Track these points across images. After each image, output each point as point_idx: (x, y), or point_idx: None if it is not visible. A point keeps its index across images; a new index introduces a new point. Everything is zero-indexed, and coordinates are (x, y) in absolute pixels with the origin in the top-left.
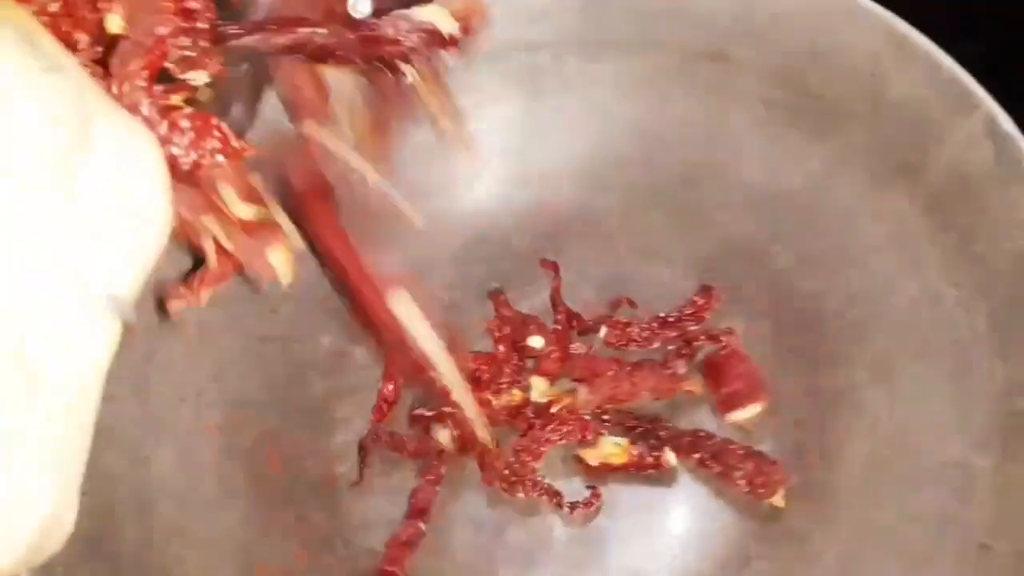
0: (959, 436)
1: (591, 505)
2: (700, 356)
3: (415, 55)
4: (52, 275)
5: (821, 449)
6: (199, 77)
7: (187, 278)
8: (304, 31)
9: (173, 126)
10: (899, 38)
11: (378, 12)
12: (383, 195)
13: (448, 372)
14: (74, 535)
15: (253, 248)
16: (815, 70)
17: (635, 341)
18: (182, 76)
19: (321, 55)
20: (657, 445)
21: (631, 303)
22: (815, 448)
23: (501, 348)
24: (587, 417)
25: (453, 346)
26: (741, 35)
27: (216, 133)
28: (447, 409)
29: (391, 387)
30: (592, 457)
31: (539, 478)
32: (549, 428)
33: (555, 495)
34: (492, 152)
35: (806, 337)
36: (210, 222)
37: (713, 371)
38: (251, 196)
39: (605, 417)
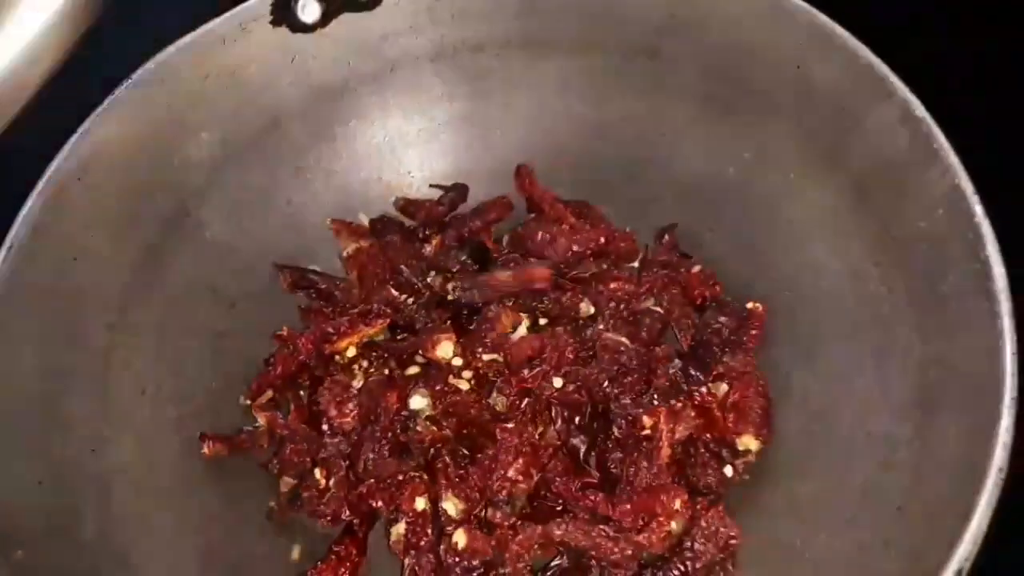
0: (882, 409)
1: None
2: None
3: None
4: None
5: None
6: None
7: None
8: None
9: None
10: (821, 31)
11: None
12: None
13: None
14: (37, 520)
15: None
16: (745, 65)
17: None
18: None
19: None
20: None
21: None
22: None
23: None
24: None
25: None
26: (674, 32)
27: None
28: None
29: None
30: None
31: None
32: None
33: None
34: (441, 150)
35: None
36: None
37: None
38: None
39: None
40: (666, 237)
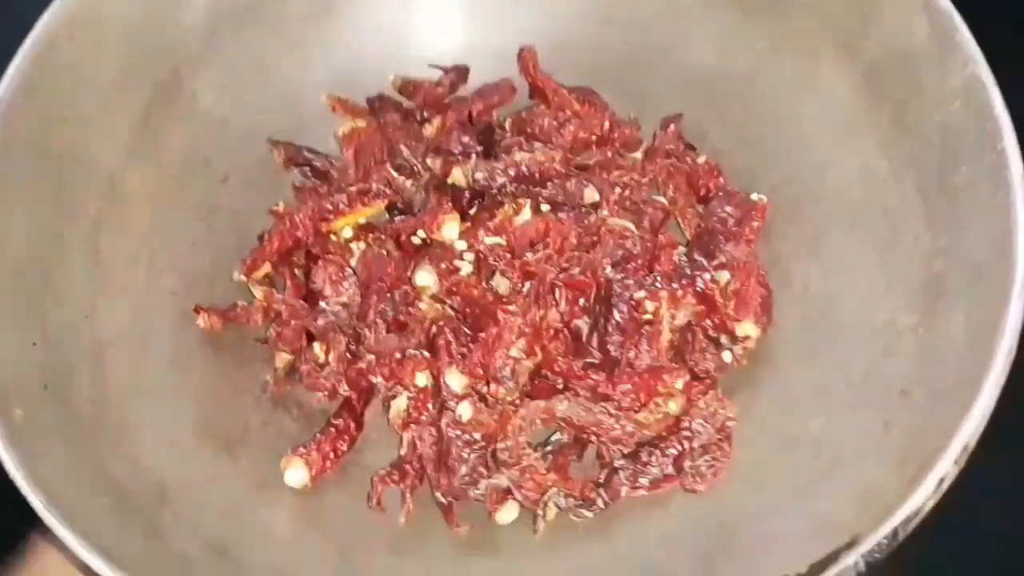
0: (886, 299)
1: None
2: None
3: None
4: None
5: None
6: None
7: None
8: None
9: None
10: None
11: None
12: None
13: None
14: (33, 382)
15: None
16: None
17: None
18: None
19: None
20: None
21: None
22: None
23: None
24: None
25: None
26: None
27: None
28: None
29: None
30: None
31: None
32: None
33: None
34: (444, 29)
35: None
36: None
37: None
38: None
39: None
40: (671, 127)
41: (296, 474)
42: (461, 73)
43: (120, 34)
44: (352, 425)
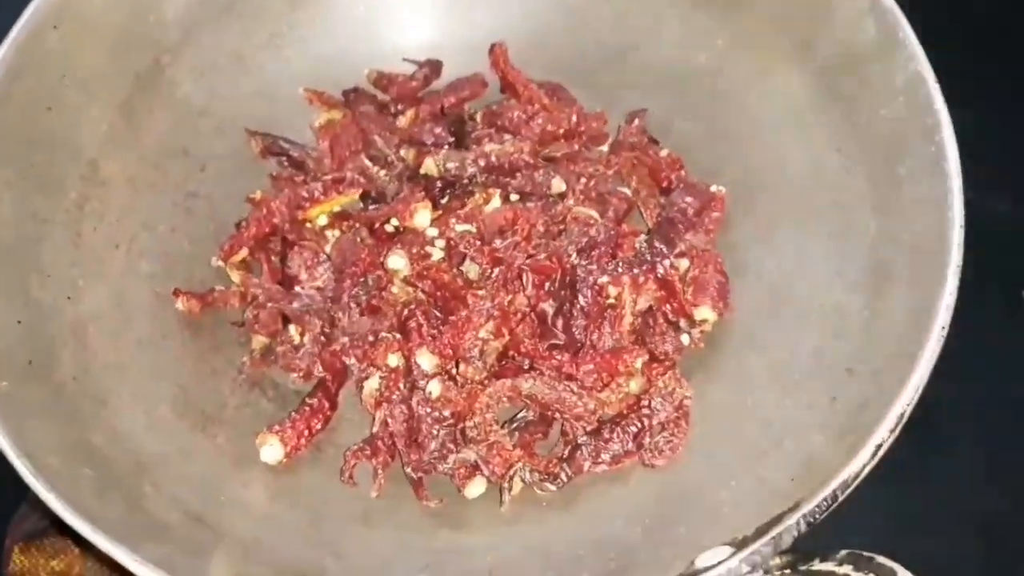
0: (835, 283)
1: None
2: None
3: None
4: None
5: None
6: None
7: None
8: None
9: None
10: None
11: None
12: None
13: None
14: (18, 357)
15: None
16: None
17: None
18: None
19: None
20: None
21: None
22: None
23: None
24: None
25: None
26: None
27: None
28: None
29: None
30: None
31: None
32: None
33: None
34: (417, 24)
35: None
36: None
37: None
38: None
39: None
40: (636, 121)
41: (271, 451)
42: (434, 67)
43: (104, 24)
44: (326, 404)
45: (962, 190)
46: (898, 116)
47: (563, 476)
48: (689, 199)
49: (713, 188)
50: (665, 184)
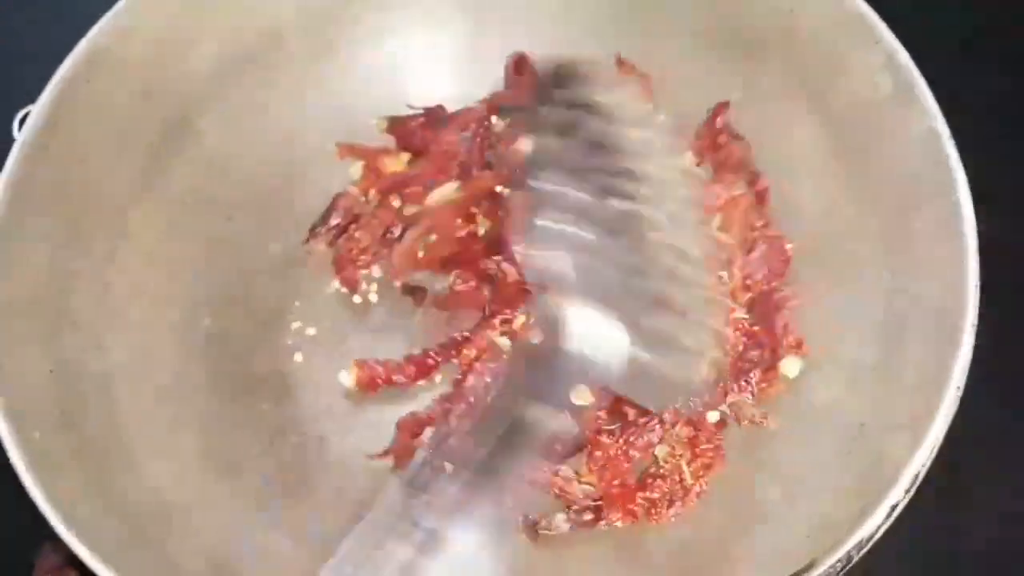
0: (850, 336)
1: None
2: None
3: None
4: None
5: None
6: None
7: None
8: None
9: None
10: None
11: None
12: None
13: None
14: (48, 407)
15: None
16: (738, 5)
17: None
18: None
19: None
20: None
21: None
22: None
23: None
24: None
25: None
26: None
27: None
28: None
29: None
30: None
31: None
32: None
33: None
34: (437, 74)
35: None
36: None
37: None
38: None
39: None
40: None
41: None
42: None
43: (133, 77)
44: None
45: (977, 249)
46: (913, 171)
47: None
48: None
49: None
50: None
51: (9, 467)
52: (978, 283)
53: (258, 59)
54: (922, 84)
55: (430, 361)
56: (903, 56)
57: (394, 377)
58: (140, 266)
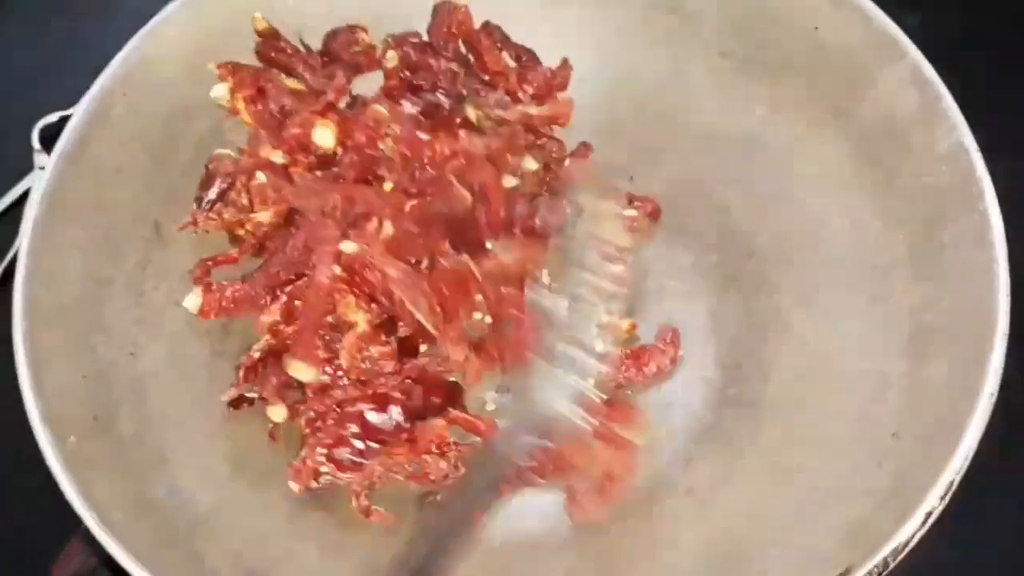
0: (878, 349)
1: None
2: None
3: None
4: None
5: (756, 364)
6: None
7: None
8: None
9: None
10: None
11: None
12: None
13: None
14: (84, 412)
15: None
16: (763, 23)
17: None
18: None
19: None
20: None
21: None
22: (750, 363)
23: None
24: None
25: None
26: None
27: None
28: None
29: None
30: None
31: None
32: None
33: None
34: None
35: (745, 267)
36: None
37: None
38: None
39: None
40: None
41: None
42: None
43: (168, 93)
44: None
45: (1007, 258)
46: (940, 184)
47: None
48: None
49: None
50: None
51: (24, 471)
52: (1008, 291)
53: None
54: (948, 98)
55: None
56: (928, 70)
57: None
58: (174, 276)
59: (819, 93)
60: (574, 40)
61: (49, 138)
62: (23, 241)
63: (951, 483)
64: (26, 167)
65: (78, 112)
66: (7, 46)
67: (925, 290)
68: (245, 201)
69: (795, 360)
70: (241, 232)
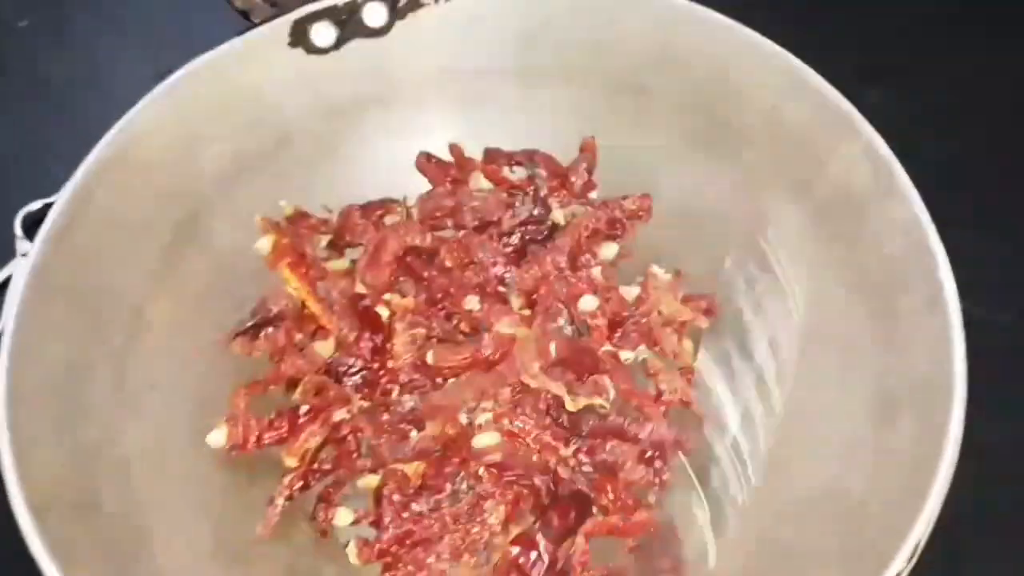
0: (845, 416)
1: None
2: None
3: None
4: None
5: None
6: None
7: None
8: None
9: None
10: (794, 74)
11: None
12: None
13: None
14: (66, 496)
15: None
16: (723, 101)
17: None
18: None
19: None
20: None
21: None
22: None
23: None
24: None
25: None
26: (659, 70)
27: None
28: None
29: None
30: None
31: None
32: None
33: None
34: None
35: (717, 337)
36: None
37: None
38: None
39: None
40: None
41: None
42: None
43: (146, 181)
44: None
45: (962, 325)
46: (896, 255)
47: None
48: None
49: None
50: None
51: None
52: (964, 357)
53: (268, 159)
54: (901, 173)
55: (300, 419)
56: (882, 147)
57: (266, 435)
58: (155, 358)
59: (779, 168)
60: (546, 117)
61: (31, 225)
62: (7, 323)
63: (916, 545)
64: (8, 255)
65: (62, 196)
66: None
67: (888, 358)
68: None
69: (768, 430)
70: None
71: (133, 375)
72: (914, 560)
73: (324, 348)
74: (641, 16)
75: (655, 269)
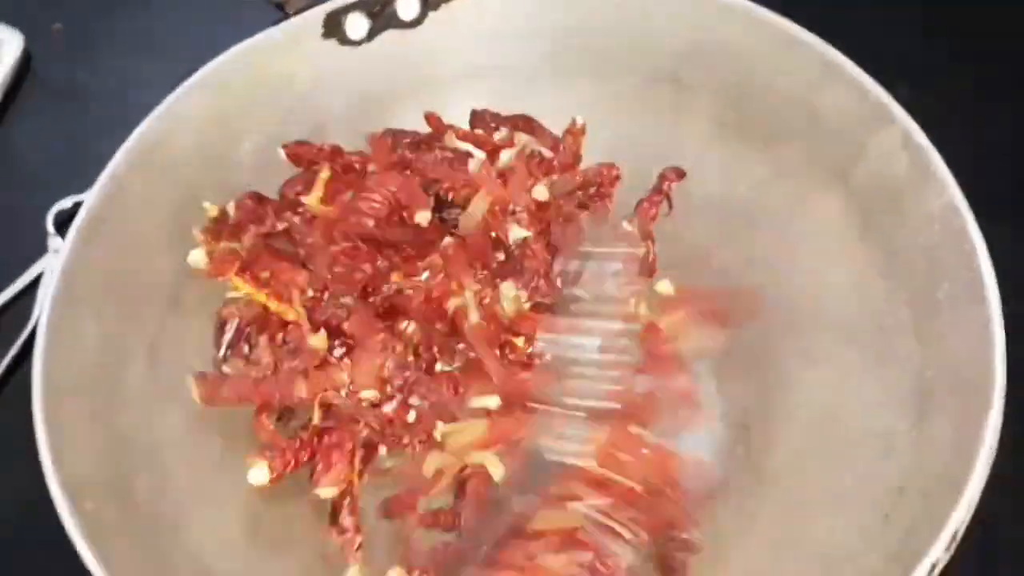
0: (882, 407)
1: None
2: None
3: None
4: None
5: (763, 424)
6: None
7: None
8: None
9: None
10: (830, 63)
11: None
12: None
13: None
14: (100, 480)
15: None
16: (758, 92)
17: None
18: None
19: None
20: None
21: None
22: (757, 423)
23: None
24: None
25: None
26: (693, 62)
27: None
28: None
29: None
30: None
31: None
32: None
33: None
34: None
35: (749, 330)
36: None
37: None
38: None
39: None
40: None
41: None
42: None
43: (179, 169)
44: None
45: (1001, 314)
46: (934, 243)
47: None
48: None
49: None
50: None
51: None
52: (1004, 348)
53: None
54: (938, 161)
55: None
56: (919, 135)
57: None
58: (190, 343)
59: (815, 158)
60: (579, 110)
61: (63, 222)
62: (42, 315)
63: (955, 534)
64: (40, 252)
65: (94, 190)
66: (22, 135)
67: (926, 349)
68: (268, 359)
69: (803, 421)
70: None
71: (168, 359)
72: (952, 549)
73: (318, 341)
74: (675, 8)
75: (660, 287)
